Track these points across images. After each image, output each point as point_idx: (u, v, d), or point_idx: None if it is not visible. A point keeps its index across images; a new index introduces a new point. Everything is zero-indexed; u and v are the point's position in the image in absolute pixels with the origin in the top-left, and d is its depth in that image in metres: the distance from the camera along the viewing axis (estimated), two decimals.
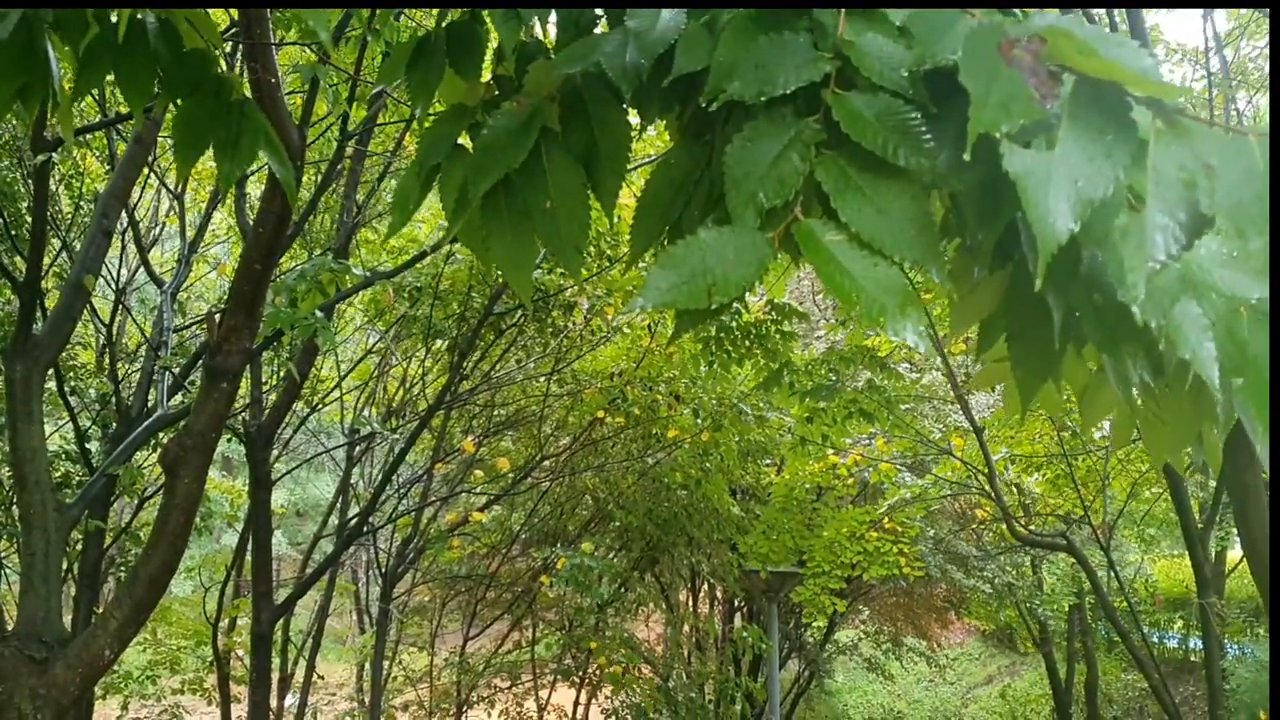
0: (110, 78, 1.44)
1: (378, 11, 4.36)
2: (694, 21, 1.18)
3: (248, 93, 1.98)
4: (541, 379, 9.62)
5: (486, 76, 1.40)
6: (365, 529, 8.72)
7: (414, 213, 1.35)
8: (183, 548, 3.63)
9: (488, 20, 1.40)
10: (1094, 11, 6.80)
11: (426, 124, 1.37)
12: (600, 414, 9.54)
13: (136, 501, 8.37)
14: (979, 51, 0.87)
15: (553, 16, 1.33)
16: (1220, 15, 7.65)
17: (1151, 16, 10.82)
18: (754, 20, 1.09)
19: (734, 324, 7.37)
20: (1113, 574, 9.81)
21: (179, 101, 1.37)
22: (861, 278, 0.91)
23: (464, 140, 1.33)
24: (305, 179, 8.01)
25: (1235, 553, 12.18)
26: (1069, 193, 0.81)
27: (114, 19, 1.41)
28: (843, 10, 1.08)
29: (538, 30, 1.40)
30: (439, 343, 8.97)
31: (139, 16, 1.38)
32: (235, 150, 1.33)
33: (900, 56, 1.01)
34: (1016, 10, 1.13)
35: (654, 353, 9.38)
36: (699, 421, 9.39)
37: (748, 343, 7.63)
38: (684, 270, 0.93)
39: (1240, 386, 0.95)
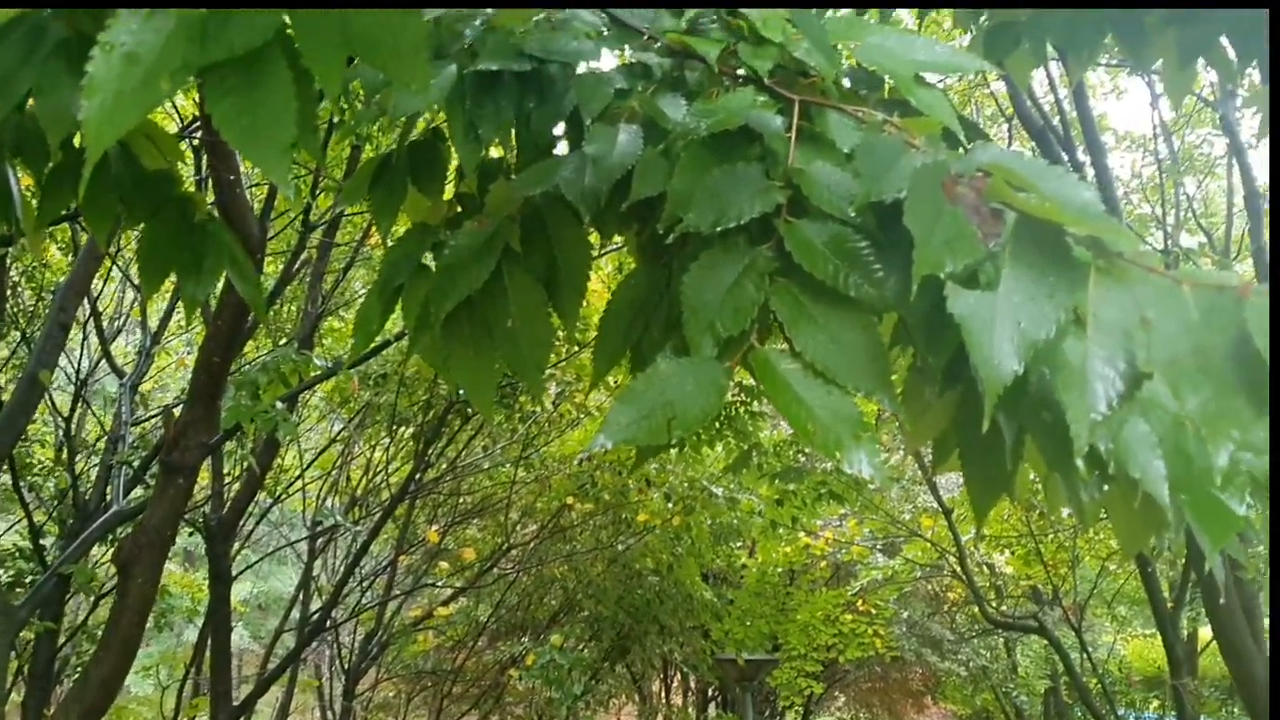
0: None
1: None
2: (650, 148, 1.21)
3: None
4: (508, 465, 9.53)
5: (449, 195, 1.42)
6: (328, 624, 8.53)
7: (377, 334, 1.36)
8: (135, 649, 3.51)
9: (449, 139, 1.43)
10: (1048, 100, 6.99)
11: (390, 242, 1.38)
12: (569, 500, 9.45)
13: (93, 599, 8.12)
14: (923, 190, 0.89)
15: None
16: (1165, 104, 7.99)
17: (1099, 106, 11.21)
18: (708, 148, 1.12)
19: None
20: (1085, 655, 9.78)
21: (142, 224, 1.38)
22: (817, 407, 0.92)
23: (426, 258, 1.34)
24: (269, 268, 8.01)
25: (1207, 631, 12.15)
26: (1013, 334, 0.82)
27: (76, 144, 1.43)
28: (793, 138, 1.11)
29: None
30: (404, 430, 8.89)
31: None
32: (199, 272, 1.34)
33: (849, 185, 1.04)
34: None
35: None
36: (670, 505, 9.31)
37: (717, 424, 7.62)
38: (644, 405, 0.93)
39: (1186, 501, 0.97)
